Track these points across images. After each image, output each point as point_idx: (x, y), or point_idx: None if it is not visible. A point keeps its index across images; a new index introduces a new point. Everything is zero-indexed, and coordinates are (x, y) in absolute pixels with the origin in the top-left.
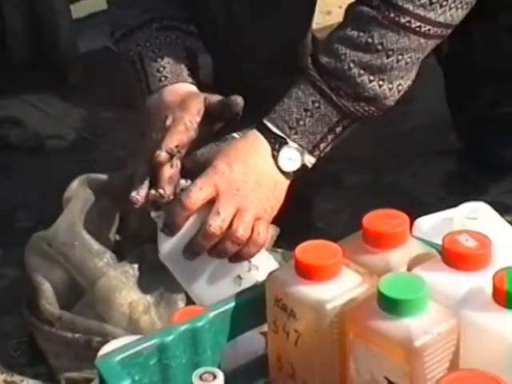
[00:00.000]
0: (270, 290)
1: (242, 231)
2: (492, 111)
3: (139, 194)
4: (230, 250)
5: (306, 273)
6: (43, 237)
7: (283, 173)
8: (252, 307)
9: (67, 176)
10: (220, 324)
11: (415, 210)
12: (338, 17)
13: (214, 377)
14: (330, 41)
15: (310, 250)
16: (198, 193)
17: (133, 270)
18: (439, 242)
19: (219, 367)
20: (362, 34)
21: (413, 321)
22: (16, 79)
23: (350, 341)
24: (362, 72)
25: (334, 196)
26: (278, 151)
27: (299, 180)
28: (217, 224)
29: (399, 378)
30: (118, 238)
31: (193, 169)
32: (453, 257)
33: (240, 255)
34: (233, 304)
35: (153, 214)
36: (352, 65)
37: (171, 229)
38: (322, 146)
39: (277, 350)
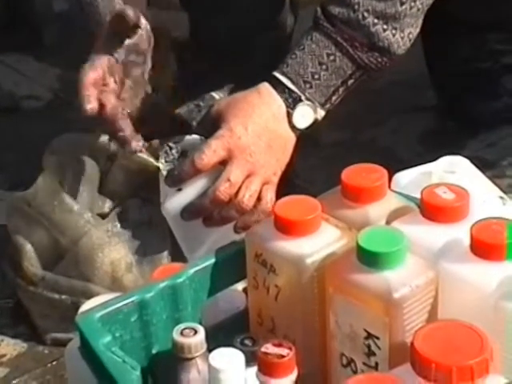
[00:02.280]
0: (249, 245)
1: (247, 201)
2: (469, 66)
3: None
4: (233, 217)
5: (286, 228)
6: (23, 197)
7: (295, 130)
8: (232, 263)
9: (43, 136)
10: (200, 280)
11: (394, 166)
12: None
13: (195, 332)
14: None
15: (289, 205)
16: (212, 155)
17: (115, 228)
18: (418, 196)
19: (200, 323)
20: None
21: (392, 273)
22: None
23: (330, 294)
24: (376, 21)
25: (313, 153)
26: (293, 109)
27: None
28: (226, 191)
29: (378, 330)
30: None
31: (202, 121)
32: (431, 209)
33: (248, 224)
34: (213, 260)
35: (161, 166)
36: (366, 14)
37: (174, 181)
38: (333, 98)
39: (257, 306)
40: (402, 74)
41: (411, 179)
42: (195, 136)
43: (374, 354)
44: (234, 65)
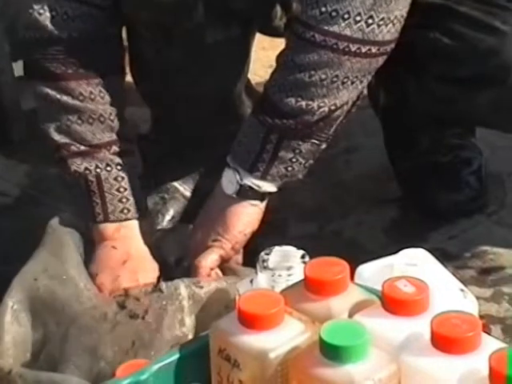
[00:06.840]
0: (213, 340)
1: None
2: (428, 160)
3: None
4: None
5: (249, 322)
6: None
7: (228, 196)
8: (196, 358)
9: (11, 232)
10: (164, 377)
11: (359, 258)
12: None
13: None
14: None
15: (252, 299)
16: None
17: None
18: (380, 288)
19: None
20: (284, 53)
21: (354, 367)
22: None
23: None
24: (278, 89)
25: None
26: (222, 176)
27: None
28: None
29: None
30: None
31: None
32: (392, 303)
33: None
34: (177, 356)
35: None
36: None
37: None
38: (259, 165)
39: None
40: (367, 167)
41: (374, 271)
42: (286, 247)
43: None
44: (196, 153)
